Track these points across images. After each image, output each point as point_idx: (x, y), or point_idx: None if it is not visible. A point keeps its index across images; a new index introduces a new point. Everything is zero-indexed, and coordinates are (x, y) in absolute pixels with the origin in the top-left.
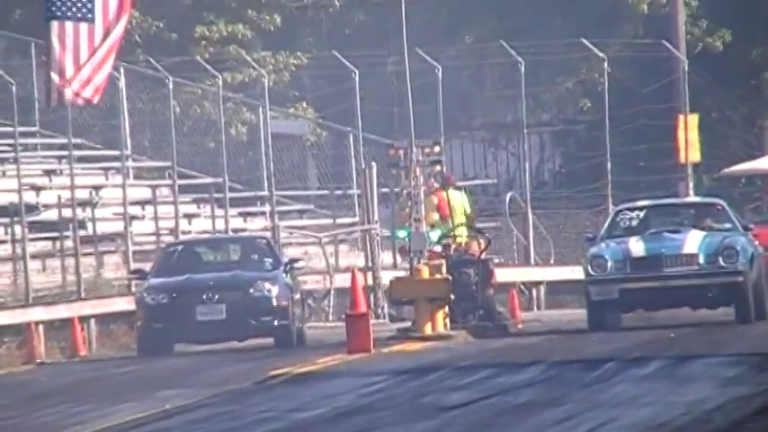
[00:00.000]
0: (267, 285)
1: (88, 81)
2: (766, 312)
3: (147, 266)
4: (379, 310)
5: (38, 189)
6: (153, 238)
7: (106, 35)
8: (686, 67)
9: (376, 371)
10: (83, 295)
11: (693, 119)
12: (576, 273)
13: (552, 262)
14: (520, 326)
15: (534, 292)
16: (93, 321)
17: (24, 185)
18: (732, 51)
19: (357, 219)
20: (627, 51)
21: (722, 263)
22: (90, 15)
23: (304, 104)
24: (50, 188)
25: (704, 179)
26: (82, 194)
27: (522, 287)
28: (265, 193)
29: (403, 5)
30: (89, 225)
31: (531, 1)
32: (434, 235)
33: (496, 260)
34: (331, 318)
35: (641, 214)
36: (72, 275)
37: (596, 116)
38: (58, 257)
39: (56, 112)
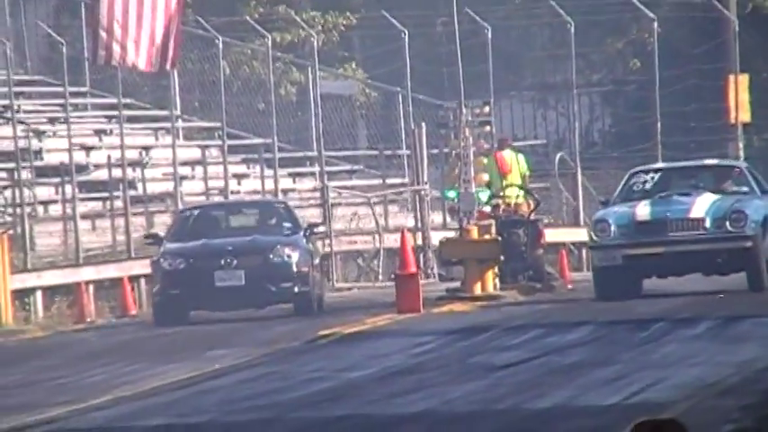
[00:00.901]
0: (287, 250)
1: (137, 45)
2: None
3: (162, 231)
4: (429, 271)
5: (88, 149)
6: (202, 199)
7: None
8: (737, 27)
9: (425, 331)
10: (132, 255)
11: (744, 79)
12: None
13: None
14: (569, 286)
15: (584, 252)
16: (143, 281)
17: (75, 145)
18: None
19: (407, 179)
20: (677, 11)
21: (729, 227)
22: None
23: (353, 65)
24: (100, 148)
25: (755, 140)
26: (132, 155)
27: (572, 247)
28: (314, 153)
29: None
30: (139, 185)
31: None
32: (483, 196)
33: (546, 221)
34: (381, 278)
35: (656, 177)
36: (122, 235)
37: (646, 77)
38: (108, 217)
39: (105, 71)
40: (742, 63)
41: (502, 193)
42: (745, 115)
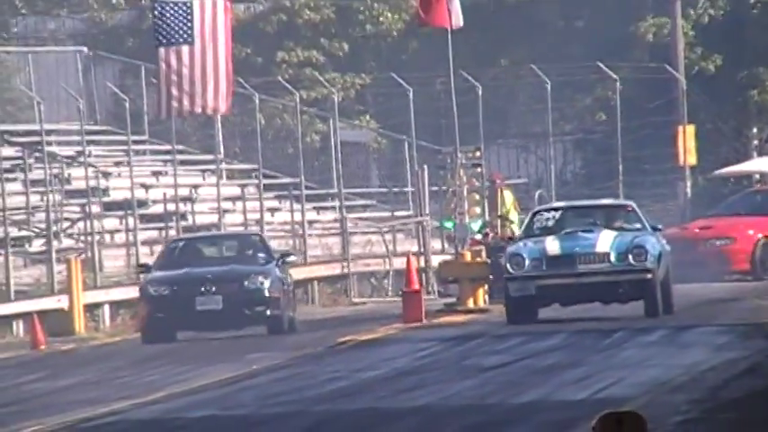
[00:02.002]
0: (260, 278)
1: (192, 96)
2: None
3: (152, 261)
4: (430, 288)
5: (147, 187)
6: (242, 229)
7: (204, 55)
8: (684, 87)
9: (426, 338)
10: None
11: (690, 129)
12: None
13: None
14: None
15: None
16: None
17: (136, 184)
18: (723, 73)
19: (411, 212)
20: (635, 73)
21: (632, 261)
22: (190, 39)
23: (367, 117)
24: (157, 186)
25: (699, 180)
26: (183, 192)
27: None
28: (335, 190)
29: (449, 36)
30: (189, 217)
31: (557, 31)
32: (475, 225)
33: None
34: (390, 294)
35: (557, 215)
36: None
37: (610, 127)
38: (163, 244)
39: (161, 123)
40: (689, 116)
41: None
42: (691, 159)
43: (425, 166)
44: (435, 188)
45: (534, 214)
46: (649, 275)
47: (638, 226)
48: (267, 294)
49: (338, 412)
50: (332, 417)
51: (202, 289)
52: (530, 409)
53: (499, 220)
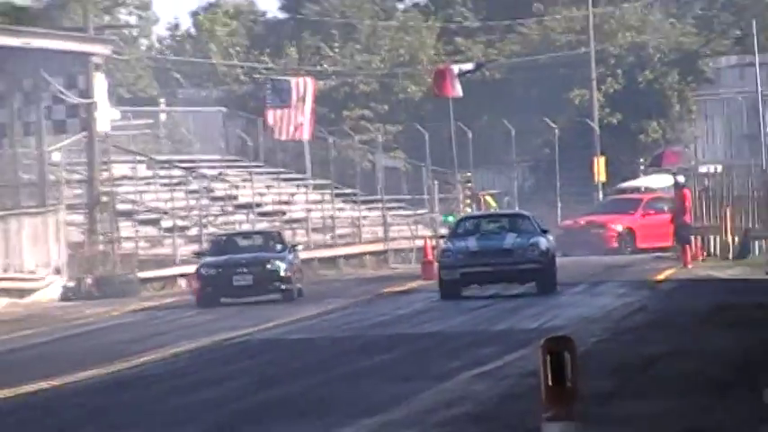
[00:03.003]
0: (277, 262)
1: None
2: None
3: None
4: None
5: (262, 195)
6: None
7: (297, 111)
8: (598, 132)
9: (436, 290)
10: None
11: (602, 160)
12: None
13: None
14: None
15: None
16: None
17: (255, 193)
18: (622, 125)
19: (427, 210)
20: (567, 124)
21: (528, 255)
22: (287, 103)
23: (399, 151)
24: (268, 194)
25: (607, 191)
26: (284, 198)
27: None
28: (379, 197)
29: (451, 102)
30: (287, 213)
31: (518, 97)
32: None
33: None
34: (413, 262)
35: (476, 221)
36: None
37: (552, 158)
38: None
39: (272, 154)
40: (601, 151)
41: None
42: (602, 178)
43: (436, 182)
44: (442, 195)
45: (460, 221)
46: (540, 265)
47: (532, 229)
48: (282, 274)
49: (381, 336)
50: (376, 339)
51: (238, 270)
52: (503, 334)
53: None
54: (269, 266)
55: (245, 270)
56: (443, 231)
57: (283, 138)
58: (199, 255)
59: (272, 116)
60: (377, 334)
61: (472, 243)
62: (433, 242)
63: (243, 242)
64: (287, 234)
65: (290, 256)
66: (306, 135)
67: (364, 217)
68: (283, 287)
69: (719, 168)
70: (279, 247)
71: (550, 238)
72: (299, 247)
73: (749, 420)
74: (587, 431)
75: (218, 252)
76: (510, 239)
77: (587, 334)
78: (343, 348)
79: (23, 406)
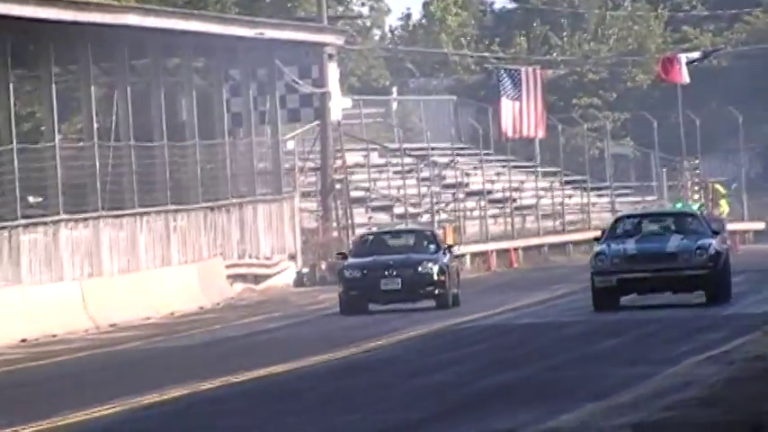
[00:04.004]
0: (430, 265)
1: (521, 127)
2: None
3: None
4: None
5: (492, 182)
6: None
7: (528, 103)
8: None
9: None
10: (515, 236)
11: None
12: None
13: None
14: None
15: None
16: (521, 251)
17: (485, 180)
18: None
19: (655, 197)
20: None
21: (695, 259)
22: (519, 93)
23: (628, 138)
24: (498, 181)
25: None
26: (514, 185)
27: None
28: (607, 183)
29: (679, 88)
30: (518, 200)
31: (747, 88)
32: (695, 206)
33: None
34: None
35: (636, 221)
36: (508, 226)
37: None
38: (502, 216)
39: (501, 143)
40: None
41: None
42: None
43: (664, 169)
44: (670, 183)
45: (617, 220)
46: (709, 270)
47: (701, 230)
48: (435, 278)
49: (607, 320)
50: (604, 323)
51: (386, 273)
52: (729, 319)
53: (710, 203)
54: (420, 269)
55: (394, 273)
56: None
57: (516, 137)
58: (343, 255)
59: (504, 110)
60: (604, 319)
61: (631, 246)
62: None
63: (392, 242)
64: (516, 221)
65: (445, 258)
66: (540, 133)
67: (593, 203)
68: (437, 292)
69: None
70: (432, 247)
71: (722, 240)
72: (456, 249)
73: None
74: None
75: (365, 253)
76: (674, 242)
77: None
78: (569, 333)
79: (259, 389)
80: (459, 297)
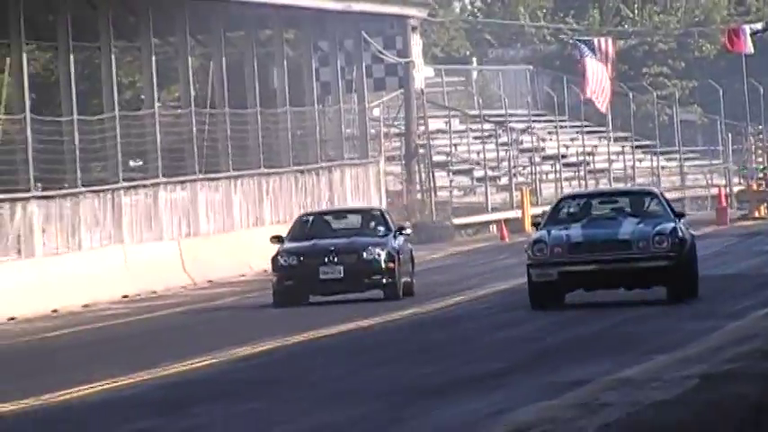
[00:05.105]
0: (377, 250)
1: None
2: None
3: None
4: (732, 205)
5: (567, 146)
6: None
7: (601, 73)
8: None
9: (730, 234)
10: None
11: None
12: None
13: None
14: None
15: None
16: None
17: (560, 145)
18: None
19: (721, 161)
20: None
21: (653, 248)
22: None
23: (695, 105)
24: (572, 146)
25: None
26: (588, 149)
27: None
28: (676, 148)
29: (744, 58)
30: (591, 164)
31: None
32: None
33: None
34: (708, 209)
35: (583, 202)
36: (582, 189)
37: None
38: (576, 179)
39: (576, 109)
40: None
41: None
42: None
43: (729, 135)
44: (734, 147)
45: (560, 200)
46: (670, 261)
47: (661, 212)
48: (383, 265)
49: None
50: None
51: (325, 259)
52: None
53: None
54: (365, 255)
55: (335, 259)
56: (735, 181)
57: (597, 102)
58: (278, 239)
59: (590, 68)
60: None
61: (576, 232)
62: (726, 190)
63: (336, 224)
64: (590, 184)
65: (396, 242)
66: (603, 107)
67: (662, 167)
68: (384, 281)
69: None
70: (381, 229)
71: (685, 225)
72: (407, 231)
73: None
74: None
75: (303, 236)
76: (629, 227)
77: None
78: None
79: (338, 344)
80: (414, 286)
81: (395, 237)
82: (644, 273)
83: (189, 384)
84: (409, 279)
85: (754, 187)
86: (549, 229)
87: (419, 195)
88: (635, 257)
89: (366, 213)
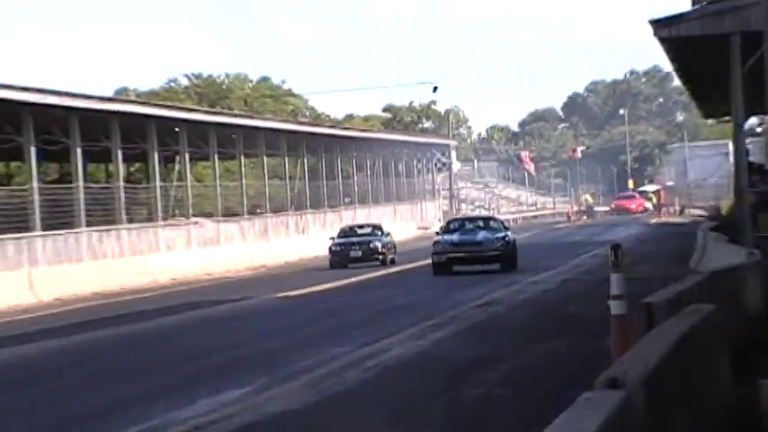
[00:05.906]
0: (376, 242)
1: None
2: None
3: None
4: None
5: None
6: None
7: None
8: None
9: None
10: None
11: None
12: None
13: None
14: None
15: None
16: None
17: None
18: None
19: None
20: None
21: (493, 245)
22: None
23: None
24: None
25: None
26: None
27: None
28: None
29: None
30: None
31: None
32: None
33: None
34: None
35: (460, 222)
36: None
37: None
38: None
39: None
40: None
41: None
42: None
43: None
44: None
45: (449, 222)
46: (501, 252)
47: (498, 227)
48: (379, 250)
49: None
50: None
51: (353, 247)
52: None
53: None
54: (371, 245)
55: (357, 247)
56: None
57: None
58: (332, 238)
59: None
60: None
61: (456, 237)
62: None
63: (359, 230)
64: None
65: (385, 239)
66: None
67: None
68: (380, 258)
69: None
70: (378, 233)
71: (511, 233)
72: (390, 233)
73: None
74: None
75: (344, 236)
76: (482, 234)
77: (628, 241)
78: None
79: (365, 281)
80: (396, 260)
81: (386, 236)
82: (489, 258)
83: None
84: (393, 256)
85: (576, 209)
86: (443, 235)
87: (455, 213)
88: (484, 249)
89: (372, 226)
